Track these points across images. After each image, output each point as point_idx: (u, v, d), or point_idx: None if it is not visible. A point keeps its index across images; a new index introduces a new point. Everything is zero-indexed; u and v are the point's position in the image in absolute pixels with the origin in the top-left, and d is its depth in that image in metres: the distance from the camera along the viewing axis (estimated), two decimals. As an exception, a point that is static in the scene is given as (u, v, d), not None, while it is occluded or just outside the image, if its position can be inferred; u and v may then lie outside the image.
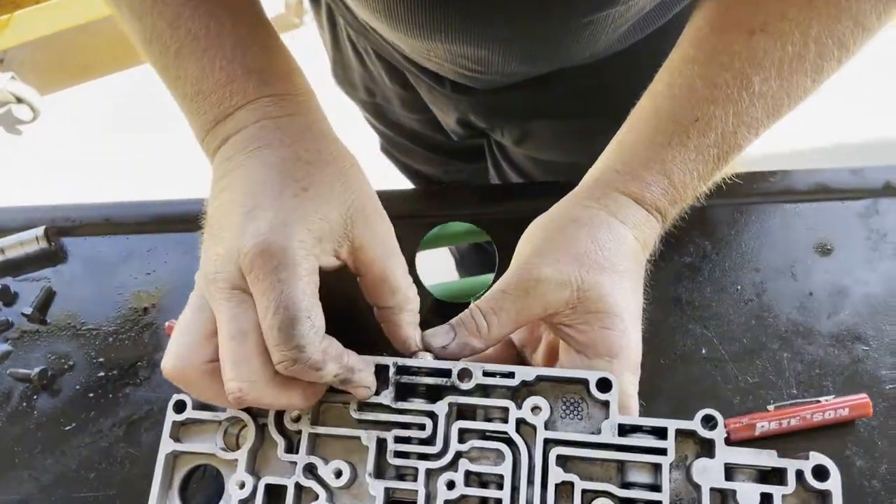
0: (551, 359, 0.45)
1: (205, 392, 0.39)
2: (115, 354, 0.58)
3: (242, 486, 0.41)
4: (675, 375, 0.52)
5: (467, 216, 0.62)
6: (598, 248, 0.41)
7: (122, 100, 2.35)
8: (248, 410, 0.43)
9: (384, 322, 0.42)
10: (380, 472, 0.41)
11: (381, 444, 0.41)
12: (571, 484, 0.38)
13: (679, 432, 0.39)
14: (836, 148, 1.83)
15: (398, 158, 0.99)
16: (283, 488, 0.41)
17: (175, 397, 0.44)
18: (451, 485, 0.39)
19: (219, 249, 0.38)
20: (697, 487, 0.38)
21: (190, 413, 0.44)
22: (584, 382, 0.40)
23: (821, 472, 0.37)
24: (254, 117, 0.41)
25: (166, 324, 0.59)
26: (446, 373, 0.41)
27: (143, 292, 0.61)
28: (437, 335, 0.42)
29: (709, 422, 0.39)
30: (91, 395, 0.57)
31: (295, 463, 0.41)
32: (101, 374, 0.58)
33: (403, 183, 1.05)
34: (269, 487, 0.42)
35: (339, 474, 0.41)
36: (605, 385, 0.39)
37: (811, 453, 0.38)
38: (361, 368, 0.39)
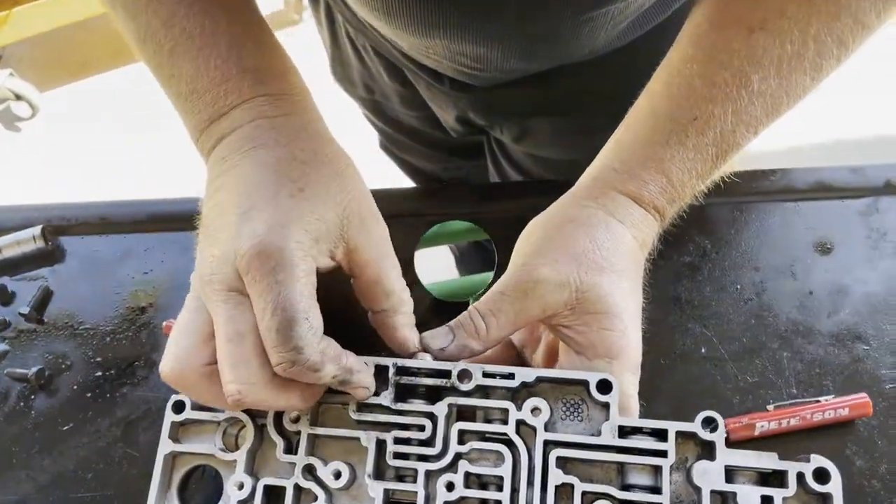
0: (551, 359, 0.45)
1: (204, 395, 0.39)
2: (113, 354, 0.58)
3: (241, 486, 0.41)
4: (674, 375, 0.52)
5: (466, 215, 0.62)
6: (596, 248, 0.41)
7: (120, 97, 2.35)
8: (247, 411, 0.43)
9: (380, 327, 0.42)
10: (379, 474, 0.41)
11: (381, 445, 0.41)
12: (571, 486, 0.38)
13: (679, 434, 0.39)
14: (835, 146, 1.83)
15: (397, 155, 0.98)
16: (282, 489, 0.41)
17: (174, 398, 0.44)
18: (450, 486, 0.39)
19: (215, 251, 0.37)
20: (698, 490, 0.38)
21: (189, 413, 0.43)
22: (585, 384, 0.40)
23: (822, 475, 0.37)
24: (249, 117, 0.41)
25: (164, 323, 0.59)
26: (446, 374, 0.41)
27: (140, 291, 0.61)
28: (436, 337, 0.41)
29: (709, 424, 0.39)
30: (88, 394, 0.57)
31: (294, 464, 0.41)
32: (99, 373, 0.57)
33: (403, 181, 1.04)
34: (267, 488, 0.41)
35: (338, 475, 0.40)
36: (605, 386, 0.39)
37: (812, 455, 0.38)
38: (360, 369, 0.39)
